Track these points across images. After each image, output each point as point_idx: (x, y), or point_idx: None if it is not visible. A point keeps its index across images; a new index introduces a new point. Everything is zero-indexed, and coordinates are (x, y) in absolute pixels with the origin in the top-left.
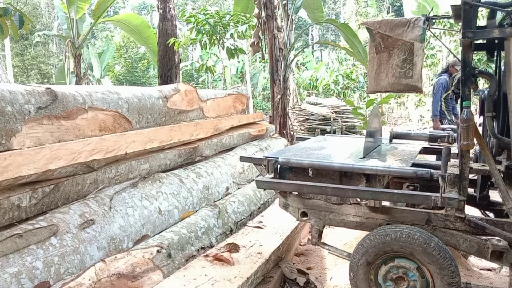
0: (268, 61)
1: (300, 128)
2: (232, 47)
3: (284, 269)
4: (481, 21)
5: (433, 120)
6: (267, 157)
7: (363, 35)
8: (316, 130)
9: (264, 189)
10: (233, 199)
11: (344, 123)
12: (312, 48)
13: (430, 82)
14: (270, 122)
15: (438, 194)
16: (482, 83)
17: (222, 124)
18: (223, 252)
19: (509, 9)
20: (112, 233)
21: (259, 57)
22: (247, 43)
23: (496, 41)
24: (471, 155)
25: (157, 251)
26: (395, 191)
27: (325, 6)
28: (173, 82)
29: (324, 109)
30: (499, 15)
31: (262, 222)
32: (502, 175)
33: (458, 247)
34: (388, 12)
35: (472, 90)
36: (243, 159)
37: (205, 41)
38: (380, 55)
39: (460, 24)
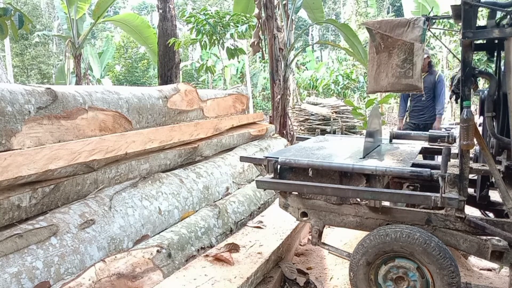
0: (268, 61)
1: (300, 128)
2: (232, 47)
3: (284, 269)
4: (481, 21)
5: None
6: (267, 157)
7: (363, 35)
8: (316, 130)
9: (264, 189)
10: (233, 199)
11: (344, 123)
12: (312, 48)
13: None
14: (270, 122)
15: (438, 194)
16: (482, 83)
17: (222, 124)
18: (223, 252)
19: (509, 9)
20: (112, 233)
21: (259, 57)
22: (247, 43)
23: (496, 41)
24: (471, 155)
25: (157, 251)
26: (395, 191)
27: (325, 6)
28: (173, 82)
29: (324, 109)
30: (499, 15)
31: (262, 222)
32: (502, 175)
33: (458, 247)
34: (388, 12)
35: (472, 90)
36: (243, 159)
37: (205, 41)
38: (380, 55)
39: (460, 24)
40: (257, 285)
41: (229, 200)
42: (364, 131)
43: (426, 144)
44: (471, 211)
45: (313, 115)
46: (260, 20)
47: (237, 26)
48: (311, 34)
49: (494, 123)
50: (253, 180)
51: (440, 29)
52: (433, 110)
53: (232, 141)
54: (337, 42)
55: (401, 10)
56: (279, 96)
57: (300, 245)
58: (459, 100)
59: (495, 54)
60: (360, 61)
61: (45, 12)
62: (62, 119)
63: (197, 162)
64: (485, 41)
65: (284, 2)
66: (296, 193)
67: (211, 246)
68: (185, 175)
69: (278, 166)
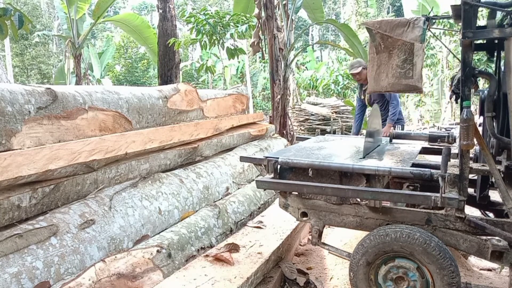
0: (268, 61)
1: (300, 128)
2: (232, 47)
3: (284, 269)
4: (481, 21)
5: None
6: (267, 157)
7: (363, 35)
8: (316, 130)
9: (264, 189)
10: (233, 199)
11: (344, 123)
12: (312, 48)
13: (430, 82)
14: (270, 122)
15: (438, 194)
16: (482, 83)
17: (222, 124)
18: (223, 252)
19: (509, 9)
20: (112, 233)
21: (259, 57)
22: (247, 43)
23: (496, 41)
24: (471, 155)
25: (157, 251)
26: (395, 191)
27: (325, 6)
28: (173, 82)
29: (324, 109)
30: (499, 15)
31: (262, 222)
32: (502, 175)
33: (458, 247)
34: (388, 12)
35: (472, 90)
36: (243, 159)
37: (205, 41)
38: (380, 55)
39: (460, 24)
40: (257, 285)
41: (229, 200)
42: (364, 131)
43: (426, 144)
44: (471, 211)
45: (313, 115)
46: (260, 20)
47: (237, 26)
48: (311, 34)
49: (494, 123)
50: (253, 180)
51: (440, 29)
52: (383, 116)
53: (232, 141)
54: (337, 42)
55: (401, 10)
56: (279, 96)
57: (300, 245)
58: (459, 100)
59: (495, 54)
60: None
61: (45, 12)
62: (62, 119)
63: (197, 162)
64: (485, 41)
65: (284, 2)
66: (296, 193)
67: (211, 246)
68: (185, 175)
69: (278, 166)
